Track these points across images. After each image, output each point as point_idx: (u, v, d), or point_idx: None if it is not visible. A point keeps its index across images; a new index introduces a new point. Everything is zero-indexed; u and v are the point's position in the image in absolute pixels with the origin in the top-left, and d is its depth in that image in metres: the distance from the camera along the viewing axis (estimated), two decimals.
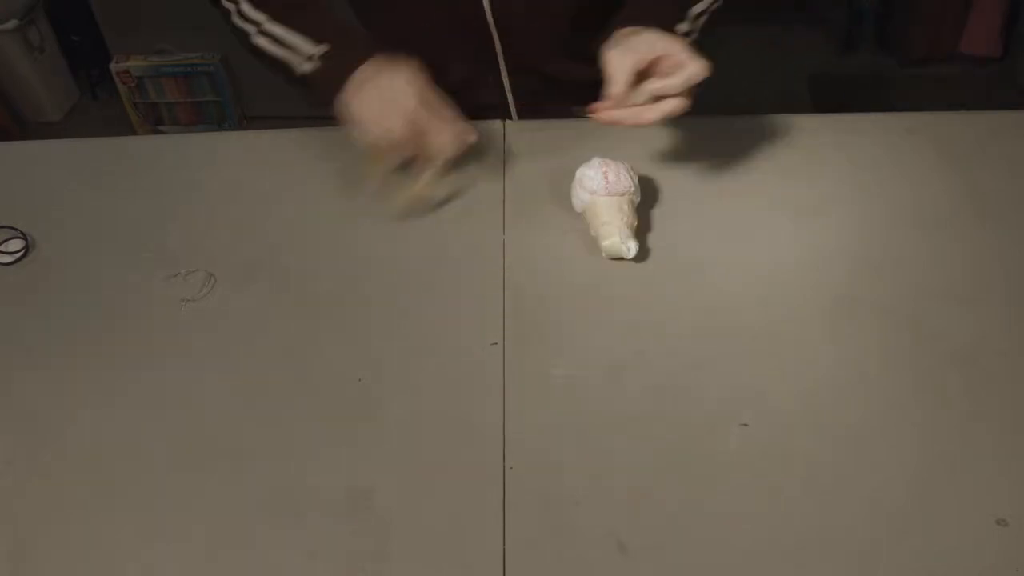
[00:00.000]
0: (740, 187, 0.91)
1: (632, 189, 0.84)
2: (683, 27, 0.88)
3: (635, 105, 0.79)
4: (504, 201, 0.90)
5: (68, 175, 0.97)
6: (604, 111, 0.80)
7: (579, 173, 0.85)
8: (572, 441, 0.69)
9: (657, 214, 0.88)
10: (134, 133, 2.50)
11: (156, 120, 2.52)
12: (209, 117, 2.51)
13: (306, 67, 0.87)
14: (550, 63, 1.01)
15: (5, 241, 0.88)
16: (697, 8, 0.90)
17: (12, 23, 2.33)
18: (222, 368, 0.75)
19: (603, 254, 0.82)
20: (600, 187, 0.83)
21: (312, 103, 0.89)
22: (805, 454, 0.68)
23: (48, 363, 0.77)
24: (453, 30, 0.95)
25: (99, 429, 0.71)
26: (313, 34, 0.88)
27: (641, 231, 0.85)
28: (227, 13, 0.95)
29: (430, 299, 0.81)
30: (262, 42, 0.91)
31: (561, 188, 0.91)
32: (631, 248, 0.80)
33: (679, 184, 0.91)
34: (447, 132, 0.85)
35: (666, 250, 0.84)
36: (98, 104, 2.63)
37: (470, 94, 0.95)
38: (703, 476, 0.67)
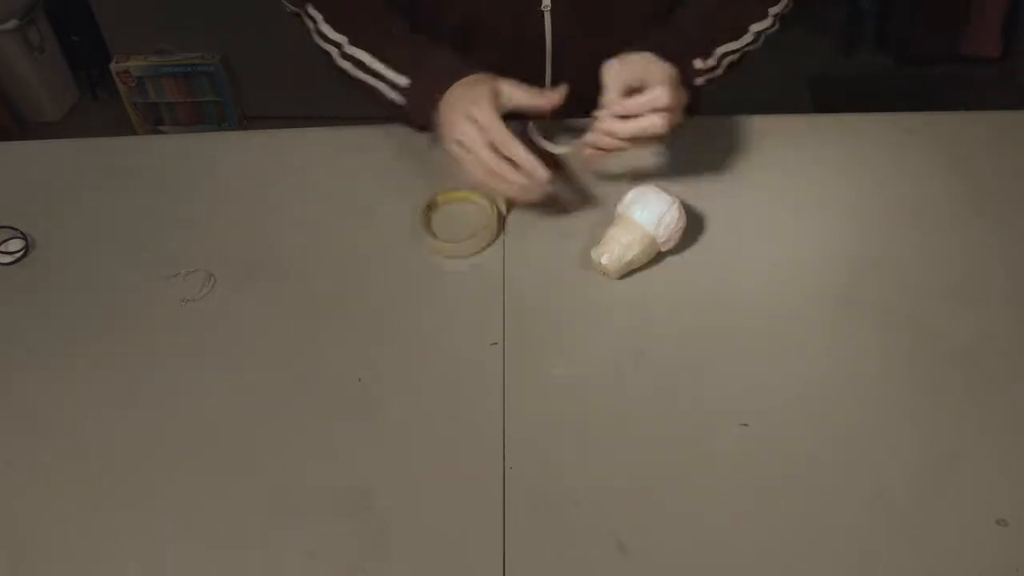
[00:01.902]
0: (740, 187, 0.91)
1: (653, 230, 0.79)
2: (707, 63, 0.87)
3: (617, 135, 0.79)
4: (504, 202, 0.90)
5: (68, 175, 0.97)
6: (589, 149, 0.81)
7: (651, 193, 0.81)
8: (572, 441, 0.69)
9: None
10: (134, 133, 2.50)
11: (156, 120, 2.51)
12: (209, 117, 2.51)
13: (395, 96, 0.86)
14: (593, 95, 1.00)
15: (5, 241, 0.88)
16: (724, 48, 0.89)
17: (12, 23, 2.33)
18: (222, 368, 0.75)
19: (593, 256, 0.81)
20: (653, 218, 0.79)
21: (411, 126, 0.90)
22: (805, 454, 0.68)
23: (48, 363, 0.77)
24: (507, 53, 0.95)
25: (99, 429, 0.71)
26: (394, 61, 0.86)
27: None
28: (308, 31, 0.93)
29: (430, 299, 0.81)
30: (347, 66, 0.89)
31: (562, 189, 0.91)
32: (608, 269, 0.79)
33: (679, 184, 0.91)
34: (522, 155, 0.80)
35: (666, 250, 0.84)
36: (98, 104, 2.63)
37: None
38: (703, 476, 0.67)
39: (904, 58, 2.56)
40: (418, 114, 0.85)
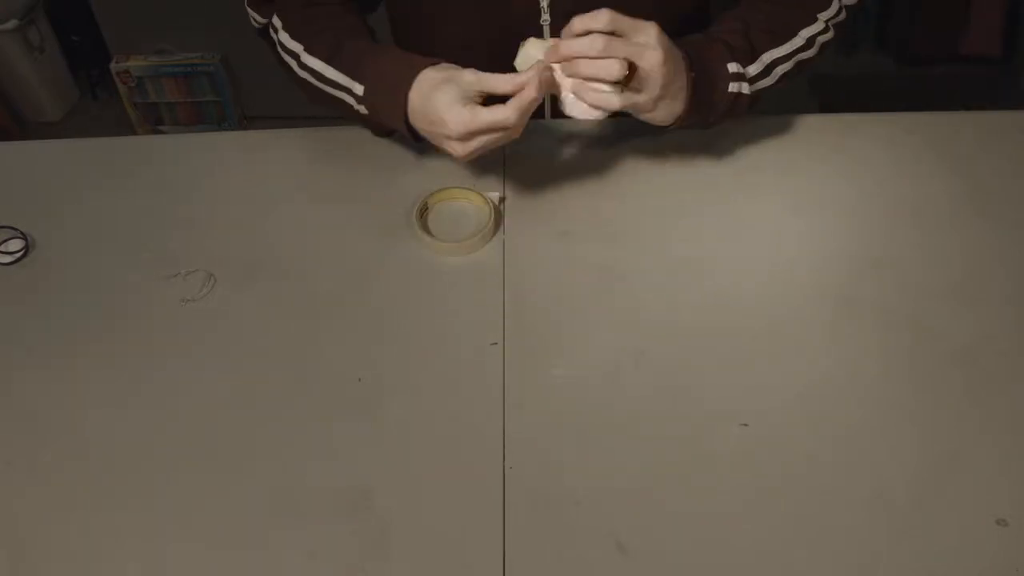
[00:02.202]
0: (740, 187, 0.91)
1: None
2: (748, 68, 0.84)
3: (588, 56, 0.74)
4: (505, 201, 0.90)
5: (68, 175, 0.97)
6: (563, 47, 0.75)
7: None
8: (572, 441, 0.69)
9: (657, 214, 0.88)
10: (134, 133, 2.50)
11: (156, 120, 2.52)
12: (209, 117, 2.51)
13: (361, 109, 0.84)
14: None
15: (5, 241, 0.88)
16: (771, 54, 0.86)
17: (12, 23, 2.33)
18: (222, 368, 0.75)
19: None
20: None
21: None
22: (805, 454, 0.68)
23: (48, 363, 0.77)
24: (504, 69, 0.94)
25: (99, 429, 0.71)
26: (346, 66, 0.83)
27: (641, 230, 0.85)
28: (273, 45, 0.92)
29: (430, 299, 0.81)
30: (306, 76, 0.87)
31: (561, 188, 0.91)
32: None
33: (679, 183, 0.91)
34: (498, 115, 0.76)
35: (666, 250, 0.84)
36: (98, 104, 2.63)
37: None
38: (703, 476, 0.67)
39: (904, 58, 2.56)
40: (384, 122, 0.83)
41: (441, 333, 0.78)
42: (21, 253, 0.86)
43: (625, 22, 0.74)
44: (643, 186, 0.91)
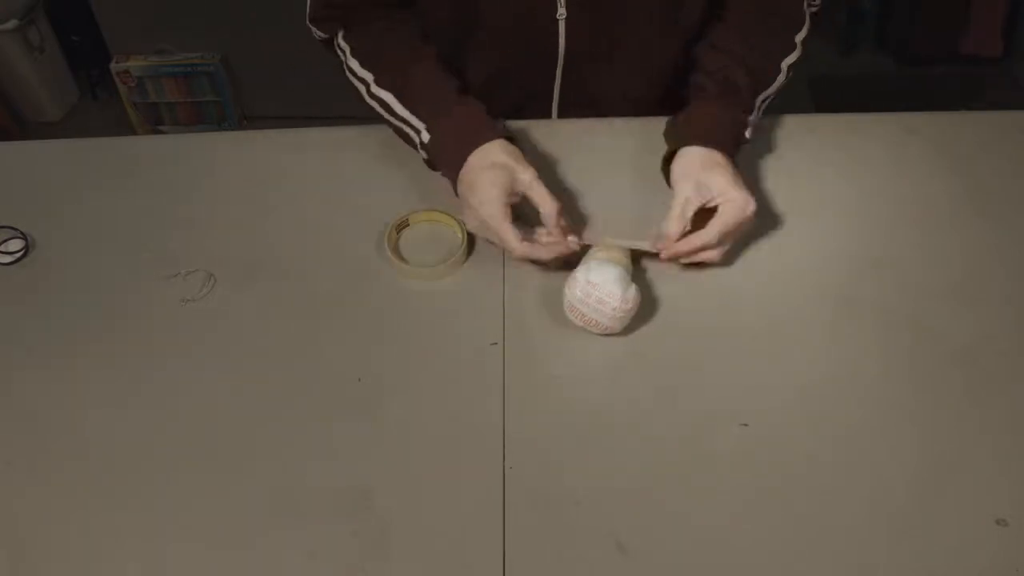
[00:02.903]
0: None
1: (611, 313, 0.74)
2: (749, 132, 0.86)
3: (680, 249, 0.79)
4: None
5: (68, 175, 0.97)
6: (665, 252, 0.80)
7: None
8: (572, 441, 0.69)
9: (657, 214, 0.88)
10: (134, 133, 2.50)
11: (156, 120, 2.51)
12: (209, 117, 2.51)
13: (421, 153, 0.87)
14: (602, 99, 1.00)
15: (5, 241, 0.88)
16: (763, 95, 0.89)
17: (12, 23, 2.33)
18: (222, 368, 0.75)
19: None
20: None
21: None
22: (805, 454, 0.68)
23: (48, 363, 0.77)
24: (520, 60, 0.94)
25: (99, 429, 0.71)
26: (415, 108, 0.86)
27: (641, 231, 0.85)
28: (339, 61, 0.93)
29: (430, 299, 0.80)
30: (374, 105, 0.90)
31: (561, 188, 0.91)
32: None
33: None
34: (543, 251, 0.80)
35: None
36: (98, 104, 2.63)
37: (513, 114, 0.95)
38: (703, 476, 0.67)
39: (904, 58, 2.56)
40: (441, 170, 0.86)
41: (441, 333, 0.78)
42: (21, 253, 0.86)
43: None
44: (643, 186, 0.90)
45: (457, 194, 0.83)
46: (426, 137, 0.85)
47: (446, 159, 0.84)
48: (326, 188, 0.93)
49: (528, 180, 0.80)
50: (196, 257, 0.85)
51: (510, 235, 0.77)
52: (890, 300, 0.79)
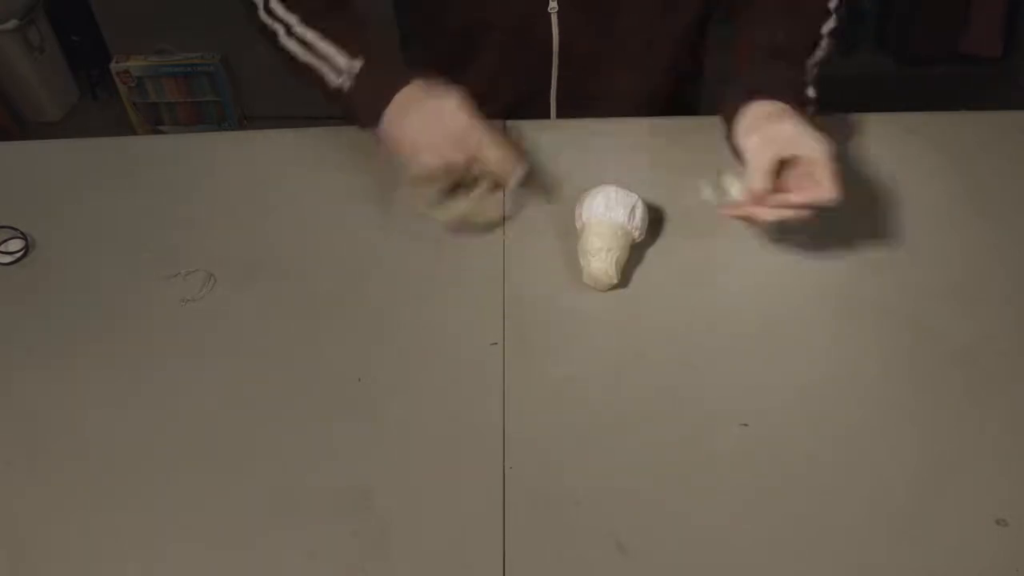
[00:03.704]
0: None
1: (627, 223, 0.80)
2: (811, 91, 0.84)
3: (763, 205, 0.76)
4: (503, 201, 0.90)
5: (68, 175, 0.97)
6: (740, 209, 0.78)
7: (586, 195, 0.82)
8: (572, 441, 0.69)
9: (657, 214, 0.88)
10: (134, 133, 2.50)
11: (156, 120, 2.52)
12: (209, 117, 2.51)
13: (339, 81, 0.83)
14: (601, 97, 1.00)
15: (5, 241, 0.88)
16: (814, 58, 0.86)
17: (12, 23, 2.33)
18: (222, 368, 0.75)
19: (584, 278, 0.80)
20: (597, 213, 0.80)
21: (343, 119, 0.86)
22: (805, 454, 0.68)
23: (48, 363, 0.77)
24: (513, 55, 0.94)
25: (99, 429, 0.71)
26: (348, 45, 0.83)
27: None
28: (252, 8, 0.88)
29: (430, 299, 0.81)
30: (291, 45, 0.86)
31: (561, 187, 0.91)
32: (611, 275, 0.78)
33: (679, 183, 0.91)
34: (498, 157, 0.81)
35: (666, 250, 0.84)
36: (98, 104, 2.63)
37: (512, 114, 0.95)
38: (703, 476, 0.67)
39: (904, 58, 2.56)
40: (367, 95, 0.82)
41: (441, 333, 0.78)
42: (21, 253, 0.86)
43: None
44: (643, 186, 0.90)
45: (384, 137, 0.81)
46: (357, 64, 0.82)
47: (386, 79, 0.81)
48: (326, 188, 0.93)
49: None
50: (196, 257, 0.85)
51: (484, 135, 0.76)
52: (890, 300, 0.79)
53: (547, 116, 1.03)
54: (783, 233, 0.84)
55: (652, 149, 0.95)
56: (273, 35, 0.87)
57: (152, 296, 0.82)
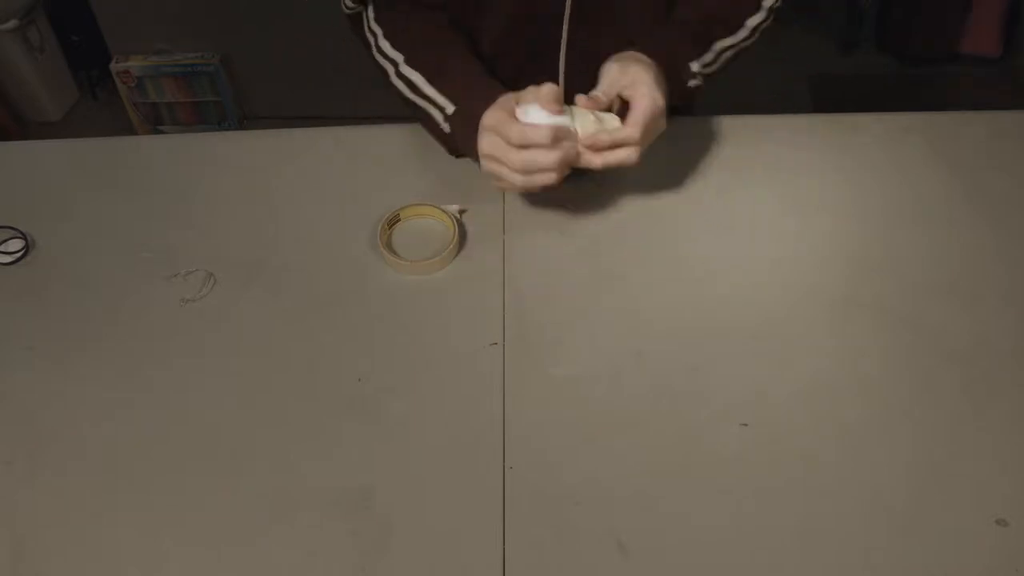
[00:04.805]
0: (740, 187, 0.91)
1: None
2: (703, 59, 0.88)
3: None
4: (504, 200, 0.90)
5: (68, 175, 0.97)
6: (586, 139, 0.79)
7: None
8: (572, 441, 0.69)
9: (657, 214, 0.88)
10: (134, 133, 2.50)
11: (156, 120, 2.52)
12: (209, 117, 2.51)
13: (444, 126, 0.86)
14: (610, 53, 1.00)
15: (5, 241, 0.88)
16: (724, 42, 0.91)
17: (12, 23, 2.33)
18: (222, 368, 0.75)
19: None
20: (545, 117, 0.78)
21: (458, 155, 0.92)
22: (805, 454, 0.68)
23: (48, 363, 0.77)
24: (521, 18, 0.95)
25: (99, 429, 0.71)
26: (445, 87, 0.86)
27: (641, 231, 0.85)
28: (368, 45, 0.93)
29: (431, 299, 0.81)
30: (400, 85, 0.89)
31: (561, 188, 0.91)
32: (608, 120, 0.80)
33: (679, 183, 0.91)
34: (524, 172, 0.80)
35: (666, 250, 0.84)
36: (98, 104, 2.63)
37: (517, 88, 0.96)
38: (703, 476, 0.67)
39: (904, 58, 2.56)
40: (459, 140, 0.85)
41: (441, 333, 0.78)
42: (21, 253, 0.86)
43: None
44: (643, 186, 0.91)
45: (478, 159, 0.82)
46: (451, 109, 0.84)
47: (467, 119, 0.82)
48: (326, 188, 0.93)
49: (528, 92, 0.80)
50: (196, 257, 0.85)
51: (508, 122, 0.77)
52: (890, 300, 0.79)
53: (555, 77, 1.03)
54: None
55: (654, 149, 0.95)
56: (385, 73, 0.91)
57: (152, 296, 0.82)
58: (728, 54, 0.92)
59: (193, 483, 0.67)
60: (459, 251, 0.85)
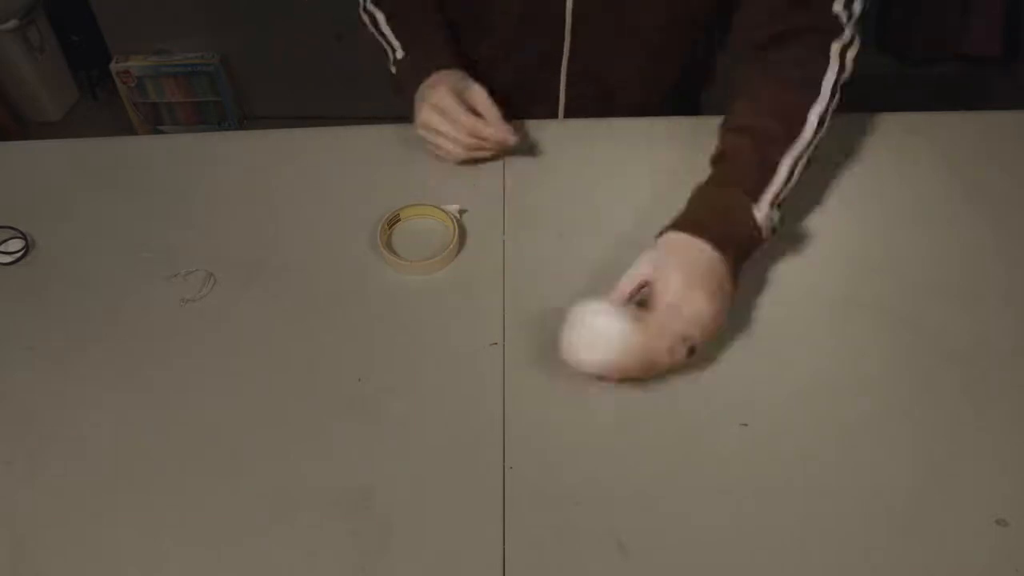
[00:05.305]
0: None
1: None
2: (774, 187, 0.77)
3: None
4: (504, 201, 0.90)
5: (68, 175, 0.97)
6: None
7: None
8: (572, 441, 0.69)
9: (657, 214, 0.88)
10: (134, 133, 2.50)
11: (156, 120, 2.52)
12: (209, 117, 2.51)
13: (392, 68, 0.97)
14: (611, 75, 1.01)
15: (5, 241, 0.88)
16: (793, 153, 0.78)
17: (12, 23, 2.33)
18: (222, 368, 0.75)
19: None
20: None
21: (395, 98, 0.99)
22: (805, 454, 0.68)
23: (48, 363, 0.77)
24: (526, 21, 0.96)
25: (99, 429, 0.71)
26: (400, 31, 0.97)
27: (641, 231, 0.85)
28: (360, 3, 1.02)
29: (431, 299, 0.81)
30: (365, 17, 1.00)
31: (561, 188, 0.91)
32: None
33: (679, 183, 0.91)
34: (490, 131, 0.89)
35: None
36: (98, 104, 2.63)
37: (522, 96, 0.97)
38: (703, 476, 0.67)
39: (904, 58, 2.56)
40: (403, 89, 0.95)
41: (441, 333, 0.78)
42: (21, 253, 0.86)
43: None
44: (643, 186, 0.91)
45: (415, 108, 0.91)
46: (400, 54, 0.95)
47: (412, 73, 0.94)
48: (326, 188, 0.93)
49: (476, 92, 0.89)
50: (196, 257, 0.85)
51: (453, 102, 0.87)
52: (890, 300, 0.79)
53: (557, 93, 1.03)
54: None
55: (654, 149, 0.95)
56: (364, 26, 1.00)
57: (152, 296, 0.82)
58: (801, 164, 0.79)
59: (193, 483, 0.67)
60: (459, 251, 0.85)
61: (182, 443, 0.70)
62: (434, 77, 0.91)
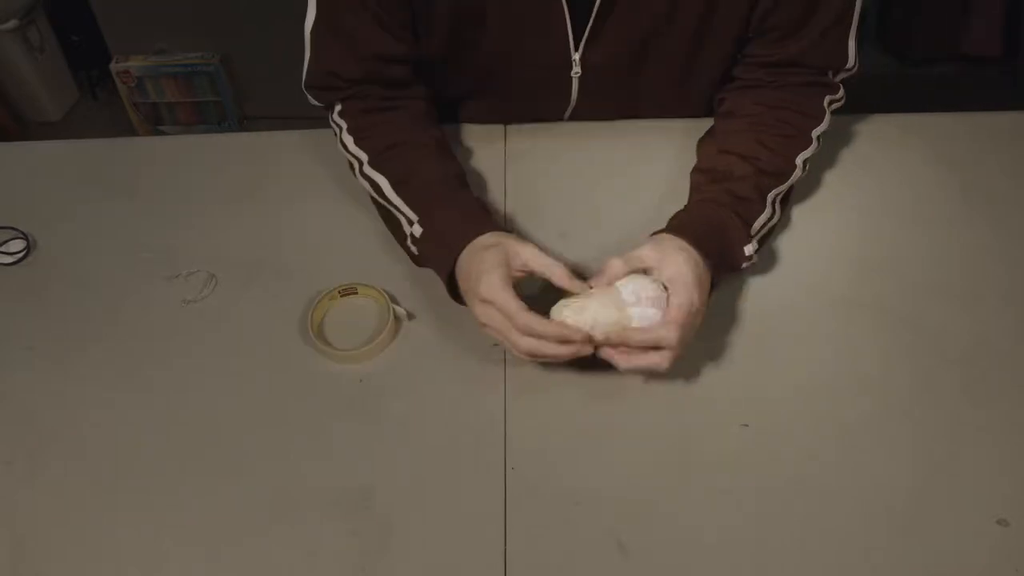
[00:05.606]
0: None
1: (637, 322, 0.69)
2: (762, 219, 0.79)
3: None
4: (504, 202, 0.90)
5: (68, 175, 0.97)
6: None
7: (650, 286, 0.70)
8: (573, 441, 0.69)
9: (658, 213, 0.88)
10: (134, 133, 2.50)
11: (156, 120, 2.51)
12: (209, 117, 2.51)
13: (410, 232, 0.79)
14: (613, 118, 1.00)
15: (6, 241, 0.88)
16: (774, 193, 0.81)
17: (12, 23, 2.33)
18: (223, 368, 0.75)
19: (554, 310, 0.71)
20: (638, 309, 0.69)
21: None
22: (805, 454, 0.68)
23: (48, 363, 0.77)
24: (531, 91, 0.94)
25: (99, 429, 0.71)
26: (409, 199, 0.80)
27: (641, 231, 0.85)
28: (352, 166, 0.86)
29: (430, 299, 0.80)
30: (366, 184, 0.84)
31: (560, 189, 0.91)
32: (565, 315, 0.69)
33: (679, 183, 0.91)
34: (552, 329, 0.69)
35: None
36: (98, 104, 2.63)
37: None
38: (703, 476, 0.67)
39: (904, 58, 2.56)
40: (432, 268, 0.78)
41: (441, 333, 0.78)
42: (22, 253, 0.86)
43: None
44: (643, 187, 0.91)
45: (451, 293, 0.76)
46: (418, 231, 0.78)
47: (438, 254, 0.76)
48: (326, 188, 0.93)
49: (528, 252, 0.72)
50: (197, 258, 0.85)
51: (513, 305, 0.68)
52: (890, 300, 0.79)
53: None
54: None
55: (655, 149, 0.95)
56: (350, 166, 0.86)
57: (153, 297, 0.82)
58: (781, 196, 0.83)
59: (193, 483, 0.67)
60: (395, 336, 0.79)
61: (182, 443, 0.70)
62: (468, 255, 0.73)
